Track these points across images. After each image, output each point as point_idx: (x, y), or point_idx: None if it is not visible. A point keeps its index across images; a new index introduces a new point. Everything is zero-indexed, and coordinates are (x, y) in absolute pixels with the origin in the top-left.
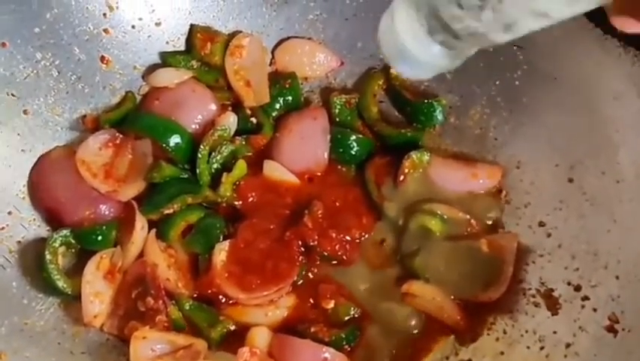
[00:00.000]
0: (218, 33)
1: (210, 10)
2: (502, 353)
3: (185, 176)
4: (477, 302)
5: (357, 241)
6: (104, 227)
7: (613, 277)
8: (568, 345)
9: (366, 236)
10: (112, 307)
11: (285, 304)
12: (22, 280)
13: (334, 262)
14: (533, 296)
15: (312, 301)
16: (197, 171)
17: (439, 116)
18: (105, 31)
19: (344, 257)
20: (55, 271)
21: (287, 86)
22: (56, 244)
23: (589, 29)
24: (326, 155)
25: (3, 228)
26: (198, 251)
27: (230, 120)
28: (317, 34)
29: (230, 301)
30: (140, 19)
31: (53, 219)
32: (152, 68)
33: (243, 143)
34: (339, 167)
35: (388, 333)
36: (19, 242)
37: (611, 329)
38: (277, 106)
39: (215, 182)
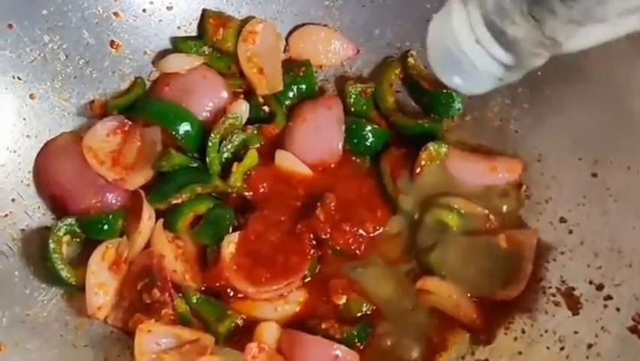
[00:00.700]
0: (231, 18)
1: None
2: (520, 353)
3: (195, 165)
4: (495, 300)
5: (371, 235)
6: (111, 216)
7: (637, 275)
8: (589, 346)
9: (381, 230)
10: (116, 299)
11: (295, 299)
12: (25, 269)
13: (347, 256)
14: (553, 295)
15: (323, 296)
16: (207, 160)
17: (458, 107)
18: (115, 14)
19: (357, 251)
20: (59, 261)
21: (301, 74)
22: (61, 233)
23: None
24: (340, 145)
25: (6, 215)
26: (207, 243)
27: (242, 108)
28: (333, 21)
29: (239, 295)
30: (152, 2)
31: (58, 207)
32: (162, 54)
33: (255, 132)
34: (354, 158)
35: (402, 331)
36: (23, 230)
37: (634, 330)
38: (291, 94)
39: (225, 172)
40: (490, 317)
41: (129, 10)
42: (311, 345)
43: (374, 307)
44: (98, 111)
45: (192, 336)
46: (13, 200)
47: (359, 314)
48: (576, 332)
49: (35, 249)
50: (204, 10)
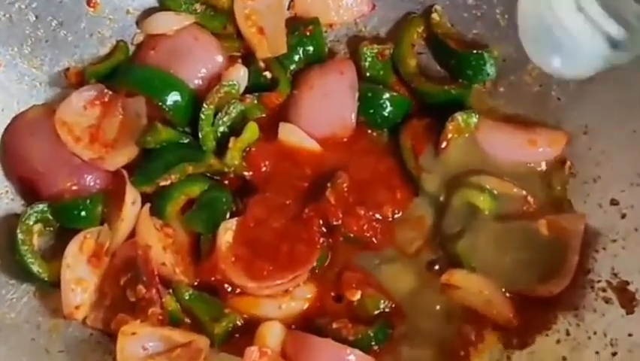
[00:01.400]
0: None
1: None
2: (564, 358)
3: (186, 141)
4: (534, 297)
5: (390, 220)
6: (88, 201)
7: None
8: None
9: (400, 214)
10: (97, 297)
11: (302, 295)
12: None
13: (361, 245)
14: (604, 290)
15: (334, 292)
16: (200, 134)
17: (490, 71)
18: None
19: (373, 239)
20: (29, 254)
21: (308, 34)
22: (30, 222)
23: None
24: (353, 117)
25: None
26: (200, 230)
27: (240, 74)
28: None
29: (237, 291)
30: None
31: (28, 191)
32: (147, 13)
33: (255, 102)
34: (369, 131)
35: (425, 332)
36: None
37: None
38: (296, 58)
39: (221, 148)
40: (529, 316)
41: None
42: (320, 349)
43: (393, 305)
44: (73, 80)
45: (184, 338)
46: None
47: (376, 312)
48: (630, 335)
49: (2, 240)
50: None
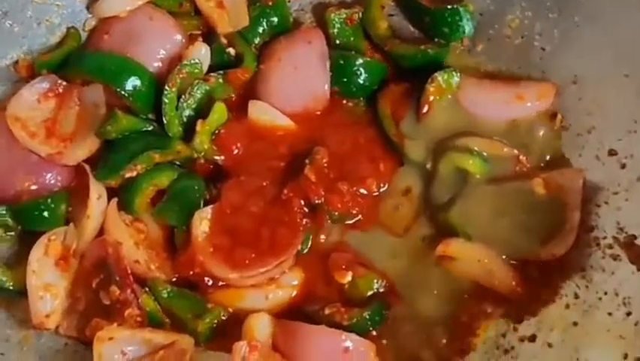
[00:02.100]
0: None
1: None
2: (575, 323)
3: (150, 128)
4: (537, 262)
5: (375, 193)
6: (50, 200)
7: None
8: None
9: (386, 187)
10: (68, 303)
11: (288, 281)
12: None
13: (347, 223)
14: (610, 247)
15: (323, 275)
16: (164, 120)
17: (467, 26)
18: None
19: (360, 216)
20: None
21: (270, 3)
22: None
23: None
24: (327, 87)
25: None
26: (173, 223)
27: (202, 52)
28: None
29: (219, 284)
30: None
31: None
32: None
33: (220, 80)
34: (345, 102)
35: (423, 311)
36: None
37: None
38: (260, 30)
39: (188, 133)
40: (533, 283)
41: None
42: (314, 337)
43: (387, 284)
44: (23, 73)
45: (166, 339)
46: None
47: (369, 293)
48: None
49: None
50: None
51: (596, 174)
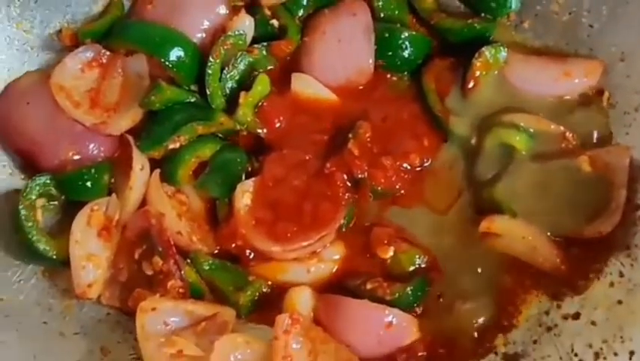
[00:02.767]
0: None
1: None
2: (619, 301)
3: (193, 99)
4: (582, 239)
5: (418, 169)
6: (93, 170)
7: None
8: None
9: (430, 162)
10: (111, 273)
11: (330, 256)
12: None
13: (390, 198)
14: None
15: (365, 250)
16: (208, 91)
17: (514, 1)
18: None
19: (402, 191)
20: (33, 231)
21: None
22: (33, 196)
23: None
24: (371, 61)
25: None
26: (215, 195)
27: (246, 24)
28: None
29: (262, 257)
30: None
31: (28, 164)
32: None
33: (264, 52)
34: (389, 76)
35: (466, 287)
36: None
37: None
38: (304, 2)
39: (231, 105)
40: (578, 261)
41: None
42: (357, 311)
43: (429, 259)
44: (67, 42)
45: (208, 311)
46: None
47: (411, 268)
48: None
49: (4, 218)
50: None
51: None
